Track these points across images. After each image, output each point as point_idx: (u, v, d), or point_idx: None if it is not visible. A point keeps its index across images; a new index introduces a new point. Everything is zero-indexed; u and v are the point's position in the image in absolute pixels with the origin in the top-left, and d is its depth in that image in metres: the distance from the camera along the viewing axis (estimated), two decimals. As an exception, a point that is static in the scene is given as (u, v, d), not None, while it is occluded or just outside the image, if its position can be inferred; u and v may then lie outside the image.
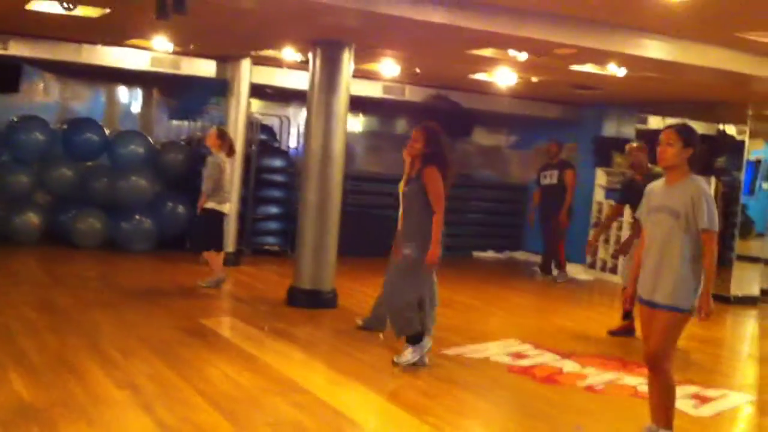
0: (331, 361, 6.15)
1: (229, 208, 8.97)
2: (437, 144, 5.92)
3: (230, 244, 10.51)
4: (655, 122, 13.59)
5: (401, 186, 6.11)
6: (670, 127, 4.63)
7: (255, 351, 6.22)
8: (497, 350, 6.92)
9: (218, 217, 8.68)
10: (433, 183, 5.84)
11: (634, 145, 8.12)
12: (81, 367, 5.38)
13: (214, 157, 8.58)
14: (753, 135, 10.96)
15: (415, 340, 5.99)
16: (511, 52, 8.22)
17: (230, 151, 8.77)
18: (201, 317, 7.31)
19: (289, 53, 9.46)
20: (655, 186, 4.70)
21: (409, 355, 5.97)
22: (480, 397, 5.61)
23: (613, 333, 7.89)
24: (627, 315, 7.83)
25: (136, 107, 12.43)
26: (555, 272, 11.44)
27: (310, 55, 8.31)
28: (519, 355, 6.82)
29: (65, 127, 11.11)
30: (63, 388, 4.87)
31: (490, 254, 13.80)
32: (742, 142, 11.03)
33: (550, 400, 5.65)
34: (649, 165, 7.68)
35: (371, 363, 6.17)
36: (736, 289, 10.60)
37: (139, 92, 12.38)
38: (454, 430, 4.84)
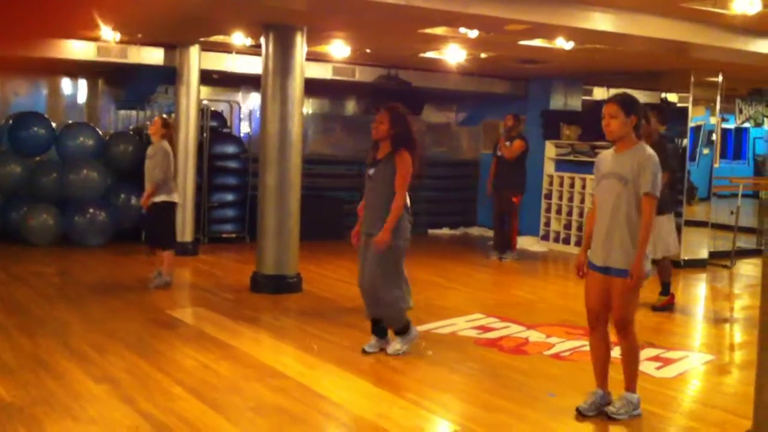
0: (303, 345, 6.20)
1: (177, 196, 8.57)
2: (403, 125, 5.87)
3: (187, 233, 10.47)
4: (600, 93, 13.86)
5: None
6: (611, 99, 4.72)
7: (227, 339, 6.24)
8: (464, 325, 7.07)
9: (173, 209, 8.41)
10: (404, 167, 5.76)
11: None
12: (56, 364, 5.36)
13: (162, 145, 8.16)
14: (695, 102, 11.25)
15: (403, 331, 5.98)
16: (462, 30, 8.31)
17: (171, 140, 8.43)
18: (167, 309, 7.29)
19: (239, 38, 9.40)
20: (605, 154, 4.80)
21: (398, 345, 5.94)
22: (452, 371, 5.72)
23: (656, 309, 7.84)
24: (666, 290, 7.97)
25: (81, 98, 12.23)
26: (506, 253, 11.08)
27: (262, 40, 8.28)
28: (485, 328, 6.97)
29: (11, 122, 10.88)
30: (42, 387, 4.85)
31: (445, 231, 13.95)
32: (686, 109, 11.31)
33: (519, 369, 5.80)
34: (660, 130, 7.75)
35: (342, 344, 6.24)
36: (685, 254, 10.93)
37: (83, 83, 12.17)
38: (431, 404, 4.95)
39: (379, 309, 5.93)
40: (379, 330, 6.05)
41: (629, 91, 12.41)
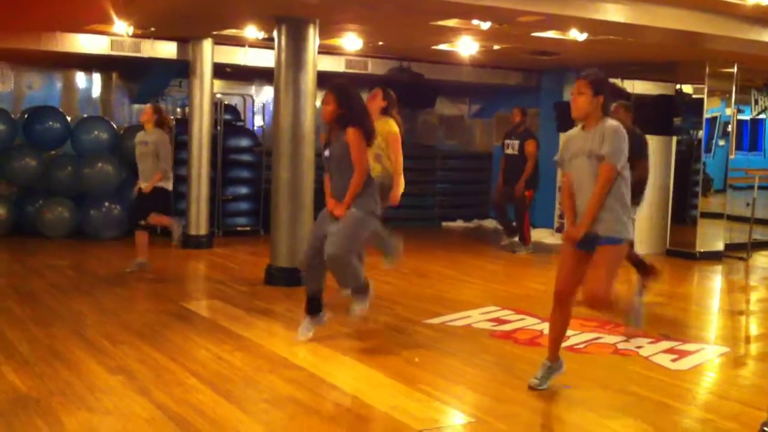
0: (317, 337, 6.20)
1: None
2: (348, 103, 5.75)
3: (202, 226, 10.52)
4: (613, 85, 13.79)
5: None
6: (581, 77, 4.81)
7: (241, 331, 6.26)
8: (478, 317, 7.06)
9: (167, 195, 8.53)
10: (356, 143, 5.68)
11: (614, 104, 8.07)
12: (71, 356, 5.40)
13: (161, 134, 8.31)
14: (710, 93, 11.18)
15: (361, 290, 5.94)
16: (475, 22, 8.28)
17: (163, 125, 8.51)
18: (181, 300, 7.32)
19: (252, 31, 9.41)
20: (573, 133, 4.91)
21: (360, 303, 5.95)
22: (466, 363, 5.71)
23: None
24: (643, 266, 7.50)
25: (95, 92, 12.29)
26: (518, 245, 10.99)
27: (275, 33, 8.27)
28: (500, 321, 6.96)
29: (26, 116, 10.96)
30: (57, 378, 4.89)
31: (459, 224, 13.95)
32: (701, 101, 11.24)
33: (534, 361, 5.74)
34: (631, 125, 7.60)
35: (355, 336, 6.25)
36: (700, 245, 10.88)
37: (97, 77, 12.23)
38: (445, 395, 4.95)
39: (336, 276, 5.87)
40: (313, 306, 6.03)
41: (644, 82, 12.33)
